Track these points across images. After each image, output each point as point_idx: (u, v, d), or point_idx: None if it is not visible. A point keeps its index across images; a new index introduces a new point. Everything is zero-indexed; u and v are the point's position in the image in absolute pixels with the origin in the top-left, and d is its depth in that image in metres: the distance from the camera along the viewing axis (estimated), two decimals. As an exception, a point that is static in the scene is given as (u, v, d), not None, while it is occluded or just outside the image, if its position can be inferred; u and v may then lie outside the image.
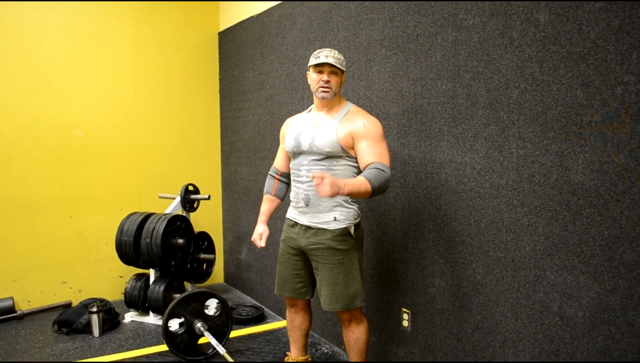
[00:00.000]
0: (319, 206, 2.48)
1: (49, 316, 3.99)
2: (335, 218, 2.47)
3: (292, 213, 2.65)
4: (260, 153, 4.18)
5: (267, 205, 2.80)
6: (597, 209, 1.87)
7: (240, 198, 4.58)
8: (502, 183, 2.21)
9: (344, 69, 2.47)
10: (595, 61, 1.85)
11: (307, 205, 2.51)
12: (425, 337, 2.69)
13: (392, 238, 2.87)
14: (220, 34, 4.81)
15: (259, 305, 4.27)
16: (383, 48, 2.83)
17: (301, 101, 3.59)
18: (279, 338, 3.57)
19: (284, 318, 3.93)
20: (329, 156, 2.43)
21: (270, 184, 2.82)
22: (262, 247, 2.70)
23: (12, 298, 4.00)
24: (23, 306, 4.10)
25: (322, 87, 2.44)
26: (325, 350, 3.36)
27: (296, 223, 2.60)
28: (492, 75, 2.22)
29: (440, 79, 2.49)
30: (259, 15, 4.12)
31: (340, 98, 2.55)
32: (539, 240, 2.08)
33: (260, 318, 3.97)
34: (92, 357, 3.30)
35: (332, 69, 2.44)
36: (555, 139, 1.99)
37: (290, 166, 2.64)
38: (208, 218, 4.80)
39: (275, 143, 3.91)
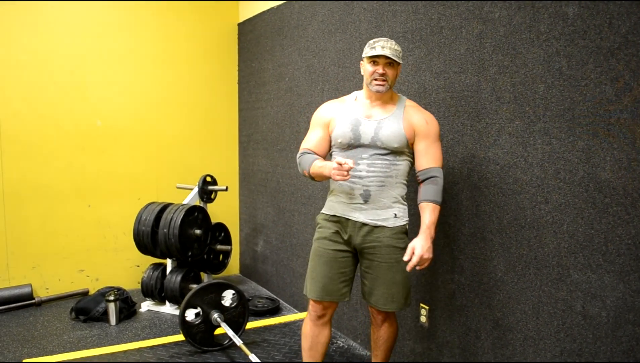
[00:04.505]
0: (379, 202, 2.34)
1: (67, 304, 4.04)
2: (395, 214, 2.37)
3: (340, 209, 2.41)
4: (279, 145, 4.16)
5: (318, 159, 2.42)
6: (624, 207, 1.84)
7: (257, 189, 4.58)
8: (526, 179, 2.18)
9: (400, 61, 2.30)
10: (626, 56, 1.80)
11: (366, 201, 2.35)
12: (443, 333, 2.67)
13: (411, 232, 2.84)
14: (239, 25, 4.79)
15: (275, 297, 4.27)
16: (406, 41, 2.80)
17: (321, 93, 3.57)
18: (294, 331, 3.57)
19: (299, 310, 3.93)
20: (394, 152, 2.31)
21: (309, 155, 2.43)
22: (352, 167, 2.17)
23: (30, 285, 4.04)
24: (41, 293, 4.15)
25: (377, 80, 2.30)
26: (341, 344, 3.35)
27: (348, 219, 2.40)
28: (518, 69, 2.18)
29: (464, 72, 2.45)
30: (279, 6, 4.10)
31: (391, 90, 2.40)
32: (563, 238, 2.05)
33: (275, 310, 3.98)
34: (109, 345, 3.32)
35: (388, 60, 2.29)
36: (583, 136, 1.95)
37: (340, 157, 2.26)
38: (225, 210, 4.81)
39: (294, 135, 3.90)
